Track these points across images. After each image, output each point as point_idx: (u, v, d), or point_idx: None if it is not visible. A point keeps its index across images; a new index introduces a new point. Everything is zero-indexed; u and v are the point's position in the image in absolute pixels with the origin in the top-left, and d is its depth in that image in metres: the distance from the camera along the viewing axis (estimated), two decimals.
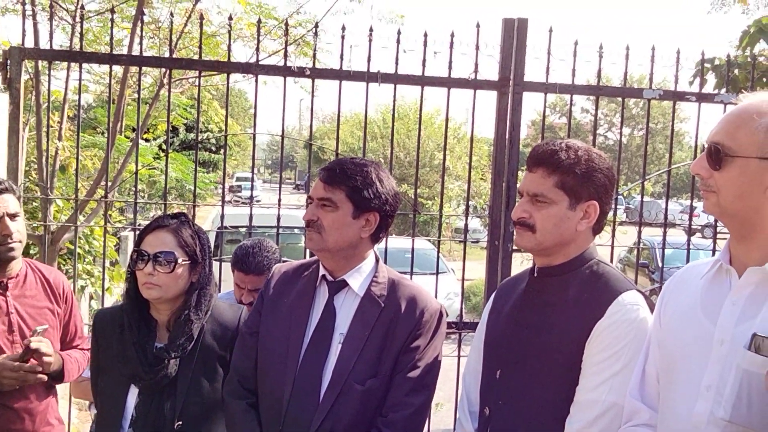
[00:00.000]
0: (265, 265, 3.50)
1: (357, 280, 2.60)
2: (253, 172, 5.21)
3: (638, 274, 5.77)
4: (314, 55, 4.63)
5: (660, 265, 10.31)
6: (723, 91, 4.89)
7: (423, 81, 4.43)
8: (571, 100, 4.69)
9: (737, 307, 1.93)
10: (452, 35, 4.39)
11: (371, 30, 4.34)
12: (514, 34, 4.40)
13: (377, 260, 2.67)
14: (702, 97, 4.65)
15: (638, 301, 2.29)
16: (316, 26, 4.57)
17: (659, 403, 2.11)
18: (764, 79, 5.66)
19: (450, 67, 4.42)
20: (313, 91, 4.68)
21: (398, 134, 24.44)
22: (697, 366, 1.96)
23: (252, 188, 5.61)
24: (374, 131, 24.68)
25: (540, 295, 2.42)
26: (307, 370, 2.51)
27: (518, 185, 2.44)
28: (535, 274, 2.47)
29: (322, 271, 2.64)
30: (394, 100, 4.49)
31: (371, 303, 2.57)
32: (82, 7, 5.01)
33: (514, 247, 4.32)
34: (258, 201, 30.73)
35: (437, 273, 4.67)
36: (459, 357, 4.34)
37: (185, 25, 6.97)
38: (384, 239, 2.72)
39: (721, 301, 1.97)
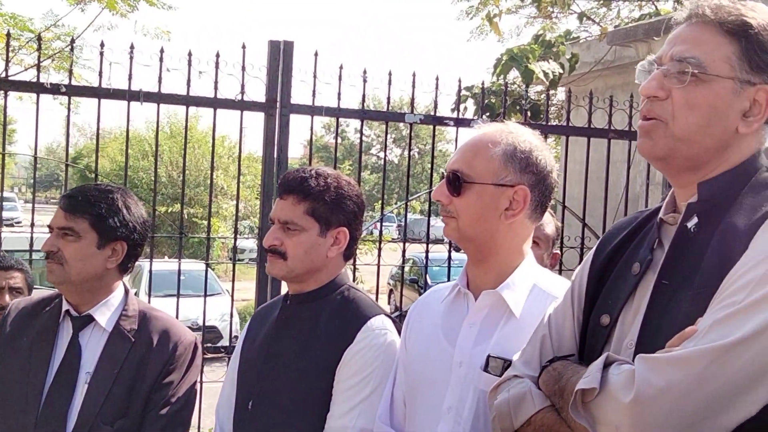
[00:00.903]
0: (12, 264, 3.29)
1: (104, 314, 2.46)
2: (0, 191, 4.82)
3: (406, 289, 5.96)
4: (70, 71, 4.39)
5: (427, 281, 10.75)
6: (484, 116, 5.20)
7: (188, 101, 4.33)
8: (338, 123, 4.77)
9: (474, 330, 2.02)
10: (218, 55, 4.34)
11: (132, 47, 4.17)
12: (281, 56, 4.42)
13: (126, 292, 2.55)
14: (460, 122, 4.90)
15: (386, 326, 2.33)
16: (73, 41, 4.34)
17: (405, 426, 2.16)
18: (517, 106, 6.06)
19: (216, 88, 4.35)
20: (69, 109, 4.43)
21: (171, 153, 23.73)
22: (439, 388, 2.02)
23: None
24: (146, 149, 23.80)
25: (292, 322, 2.41)
26: (50, 413, 2.33)
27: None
28: (288, 301, 2.46)
29: (65, 306, 2.47)
30: (158, 120, 4.34)
31: (120, 338, 2.44)
32: None
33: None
34: (18, 222, 28.60)
35: (205, 295, 4.56)
36: None
37: None
38: (132, 268, 2.59)
39: (459, 324, 2.06)
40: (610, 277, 1.70)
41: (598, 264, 1.75)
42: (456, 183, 2.01)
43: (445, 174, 2.05)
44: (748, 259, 1.41)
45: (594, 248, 1.84)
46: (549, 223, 3.10)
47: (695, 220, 1.56)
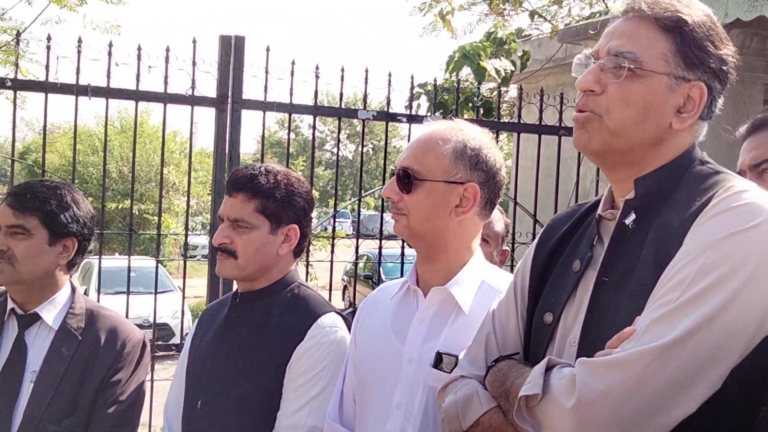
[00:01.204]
0: None
1: (51, 312, 2.42)
2: None
3: (360, 286, 5.96)
4: (16, 65, 4.31)
5: (382, 277, 10.76)
6: (436, 113, 5.22)
7: (137, 96, 4.27)
8: (290, 119, 4.75)
9: (423, 326, 2.04)
10: (167, 50, 4.28)
11: (80, 41, 4.10)
12: (232, 51, 4.38)
13: (73, 290, 2.51)
14: (412, 119, 4.92)
15: (337, 323, 2.34)
16: (18, 35, 4.25)
17: (355, 423, 2.17)
18: (469, 103, 6.09)
19: (166, 83, 4.29)
20: (15, 103, 4.33)
21: (122, 148, 23.37)
22: (389, 385, 2.03)
23: None
24: (96, 145, 23.39)
25: (242, 320, 2.40)
26: None
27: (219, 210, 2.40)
28: (237, 299, 2.44)
29: (10, 304, 2.43)
30: (106, 115, 4.28)
31: (67, 337, 2.40)
32: None
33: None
34: None
35: (156, 292, 4.51)
36: None
37: None
38: (79, 266, 2.55)
39: (409, 321, 2.07)
40: (552, 274, 1.72)
41: (539, 260, 1.77)
42: (406, 180, 2.02)
43: (395, 171, 2.06)
44: (682, 256, 1.44)
45: (534, 243, 1.85)
46: (498, 220, 3.13)
47: (633, 216, 1.58)
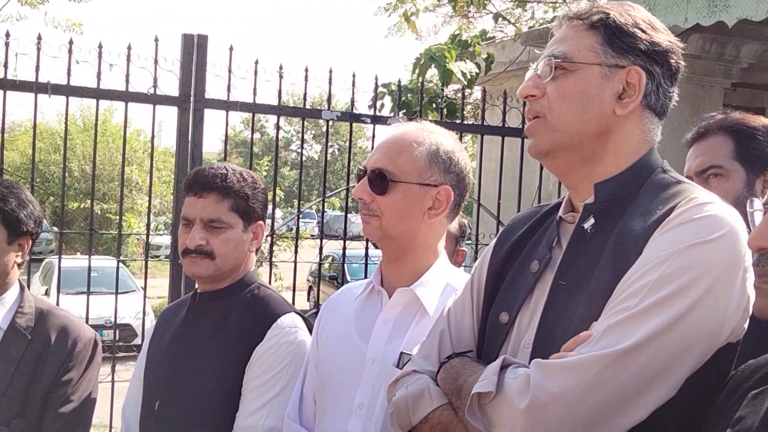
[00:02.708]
0: None
1: None
2: None
3: (325, 286, 5.96)
4: None
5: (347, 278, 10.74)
6: (400, 114, 5.23)
7: (98, 94, 4.23)
8: (253, 119, 4.73)
9: (387, 327, 2.04)
10: (129, 48, 4.25)
11: (39, 38, 4.06)
12: (194, 50, 4.35)
13: (22, 289, 2.48)
14: (377, 120, 4.93)
15: (297, 324, 2.33)
16: None
17: (315, 424, 2.16)
18: (433, 104, 6.12)
19: (127, 81, 4.26)
20: None
21: (84, 147, 23.09)
22: (351, 385, 2.03)
23: None
24: (58, 143, 23.08)
25: (201, 320, 2.38)
26: None
27: (182, 213, 2.38)
28: (196, 299, 2.43)
29: None
30: (66, 113, 4.23)
31: (16, 336, 2.37)
32: None
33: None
34: None
35: (116, 292, 4.46)
36: None
37: None
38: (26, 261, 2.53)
39: (372, 322, 2.06)
40: (510, 274, 1.73)
41: (497, 259, 1.77)
42: (380, 181, 2.01)
43: (367, 172, 2.04)
44: (642, 264, 1.45)
45: (493, 242, 1.85)
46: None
47: (591, 221, 1.59)
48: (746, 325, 1.49)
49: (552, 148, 1.64)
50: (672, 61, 1.62)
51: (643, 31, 1.60)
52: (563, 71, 1.60)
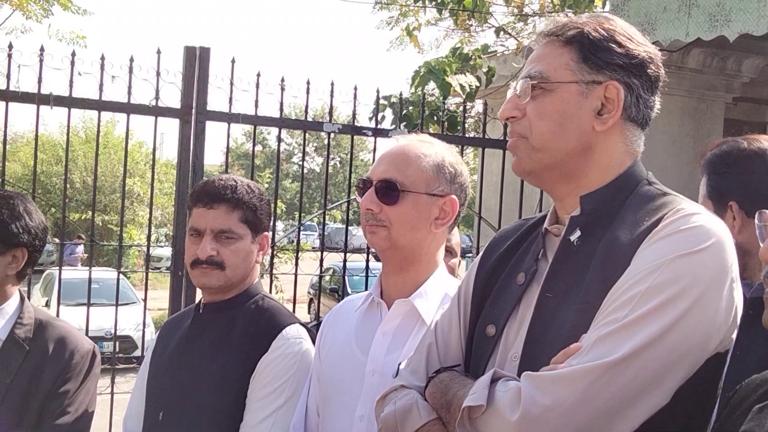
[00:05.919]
0: None
1: None
2: None
3: (326, 299, 5.95)
4: None
5: (348, 290, 10.75)
6: (401, 126, 5.24)
7: (100, 106, 4.24)
8: (255, 131, 4.74)
9: (387, 338, 2.04)
10: (131, 60, 4.26)
11: (42, 49, 4.07)
12: (197, 62, 4.37)
13: (22, 299, 2.47)
14: (378, 132, 4.93)
15: (301, 335, 2.34)
16: None
17: None
18: (434, 117, 6.13)
19: (129, 93, 4.27)
20: None
21: (86, 158, 23.14)
22: (352, 397, 2.03)
23: None
24: (60, 154, 23.14)
25: (205, 331, 2.38)
26: None
27: (189, 224, 2.39)
28: (201, 310, 2.43)
29: None
30: (68, 124, 4.24)
31: (15, 346, 2.37)
32: None
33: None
34: None
35: (117, 304, 4.45)
36: None
37: None
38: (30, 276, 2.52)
39: (372, 333, 2.07)
40: (496, 286, 1.72)
41: (483, 271, 1.77)
42: (389, 191, 2.02)
43: (374, 183, 2.05)
44: (630, 275, 1.45)
45: (479, 255, 1.85)
46: (455, 233, 3.14)
47: (578, 233, 1.59)
48: (734, 336, 1.49)
49: (534, 168, 1.65)
50: (650, 71, 1.62)
51: (619, 44, 1.59)
52: (541, 90, 1.61)
